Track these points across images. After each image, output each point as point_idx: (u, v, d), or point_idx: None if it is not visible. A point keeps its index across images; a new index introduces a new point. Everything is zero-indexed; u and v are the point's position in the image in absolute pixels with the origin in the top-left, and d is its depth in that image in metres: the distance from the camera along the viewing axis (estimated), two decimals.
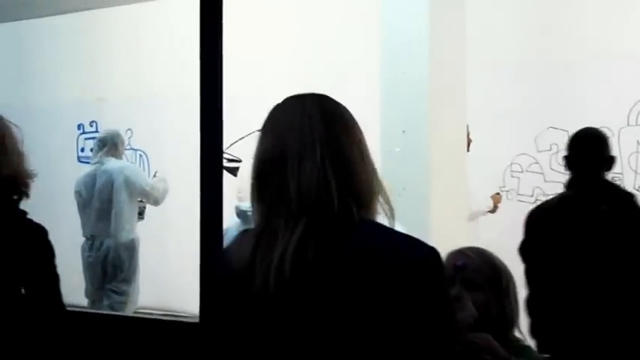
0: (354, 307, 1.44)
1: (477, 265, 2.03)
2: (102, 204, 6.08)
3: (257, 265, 1.49)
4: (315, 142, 1.52)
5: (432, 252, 1.49)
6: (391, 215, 1.55)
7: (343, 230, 1.48)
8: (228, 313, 1.55)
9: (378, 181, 1.56)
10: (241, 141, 6.60)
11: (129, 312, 6.03)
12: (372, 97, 4.40)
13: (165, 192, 6.39)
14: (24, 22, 8.01)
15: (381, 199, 1.55)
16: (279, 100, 1.62)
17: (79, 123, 7.91)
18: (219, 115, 3.21)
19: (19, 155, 2.38)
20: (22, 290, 2.26)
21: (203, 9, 3.36)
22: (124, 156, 7.22)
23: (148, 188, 6.24)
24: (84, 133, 7.83)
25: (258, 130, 1.58)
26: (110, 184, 6.06)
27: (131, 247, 6.17)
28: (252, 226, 5.50)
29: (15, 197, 2.35)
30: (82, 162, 7.65)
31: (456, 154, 4.23)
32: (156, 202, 6.34)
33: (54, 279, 2.32)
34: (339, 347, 1.45)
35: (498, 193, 5.77)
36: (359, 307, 1.44)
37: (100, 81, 7.74)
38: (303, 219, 1.48)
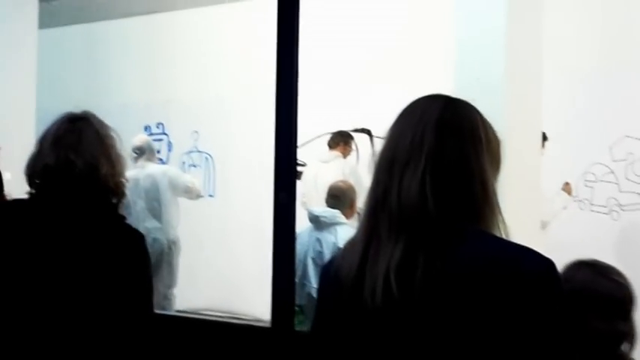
0: (465, 322, 1.38)
1: (631, 294, 1.94)
2: (148, 205, 6.46)
3: (366, 275, 1.46)
4: (422, 152, 1.47)
5: (549, 264, 1.42)
6: (507, 235, 1.48)
7: (448, 243, 1.42)
8: (337, 323, 1.52)
9: (494, 198, 1.49)
10: (306, 145, 6.58)
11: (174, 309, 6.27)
12: None
13: (200, 186, 6.92)
14: (94, 24, 8.12)
15: (497, 217, 1.48)
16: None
17: (145, 125, 8.00)
18: (294, 115, 3.18)
19: (118, 157, 2.34)
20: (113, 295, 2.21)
21: (280, 12, 3.33)
22: (190, 157, 7.23)
23: (190, 185, 6.75)
24: (151, 134, 7.90)
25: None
26: (156, 187, 6.50)
27: (177, 245, 6.57)
28: (323, 231, 5.42)
29: (114, 201, 2.30)
30: None
31: (531, 162, 4.13)
32: (198, 196, 6.83)
33: (148, 285, 2.29)
34: None
35: (568, 183, 5.63)
36: (471, 323, 1.38)
37: (167, 83, 7.81)
38: (404, 231, 1.44)
